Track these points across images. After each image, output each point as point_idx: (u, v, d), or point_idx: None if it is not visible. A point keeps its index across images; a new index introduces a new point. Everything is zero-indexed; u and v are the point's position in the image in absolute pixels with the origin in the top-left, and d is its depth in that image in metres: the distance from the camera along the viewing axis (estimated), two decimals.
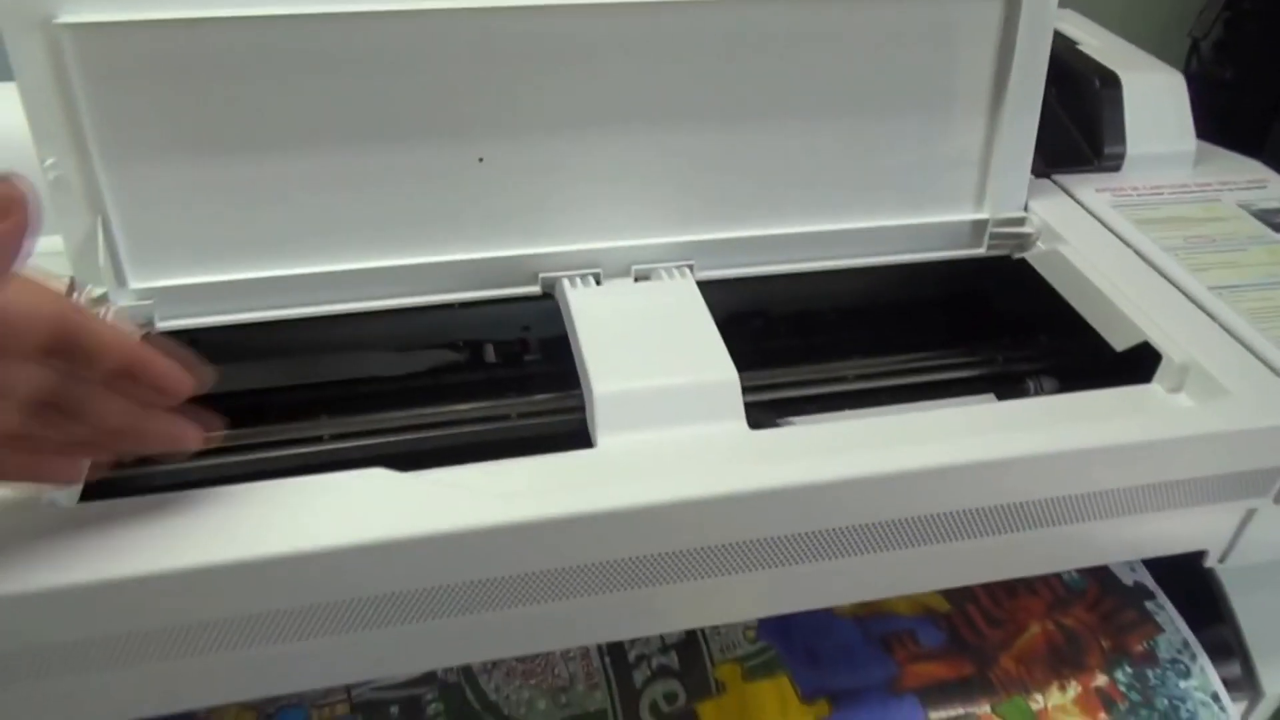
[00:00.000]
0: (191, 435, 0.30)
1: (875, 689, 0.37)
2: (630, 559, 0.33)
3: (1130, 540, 0.38)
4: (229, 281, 0.41)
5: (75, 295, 0.39)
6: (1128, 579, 0.41)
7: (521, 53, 0.40)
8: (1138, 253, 0.44)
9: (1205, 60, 0.97)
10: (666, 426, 0.36)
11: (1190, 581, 0.41)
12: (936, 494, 0.34)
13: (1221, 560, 0.40)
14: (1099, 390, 0.38)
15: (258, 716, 0.35)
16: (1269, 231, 0.46)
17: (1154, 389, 0.38)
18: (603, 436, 0.35)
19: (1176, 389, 0.37)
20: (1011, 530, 0.36)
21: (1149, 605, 0.40)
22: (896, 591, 0.38)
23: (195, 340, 0.45)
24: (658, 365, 0.37)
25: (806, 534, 0.34)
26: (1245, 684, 0.39)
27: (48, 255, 0.39)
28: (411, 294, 0.43)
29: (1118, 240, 0.45)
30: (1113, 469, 0.35)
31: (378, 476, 0.32)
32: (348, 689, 0.37)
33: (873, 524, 0.34)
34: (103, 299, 0.39)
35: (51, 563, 0.28)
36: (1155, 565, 0.42)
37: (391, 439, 0.46)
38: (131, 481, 0.36)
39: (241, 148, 0.39)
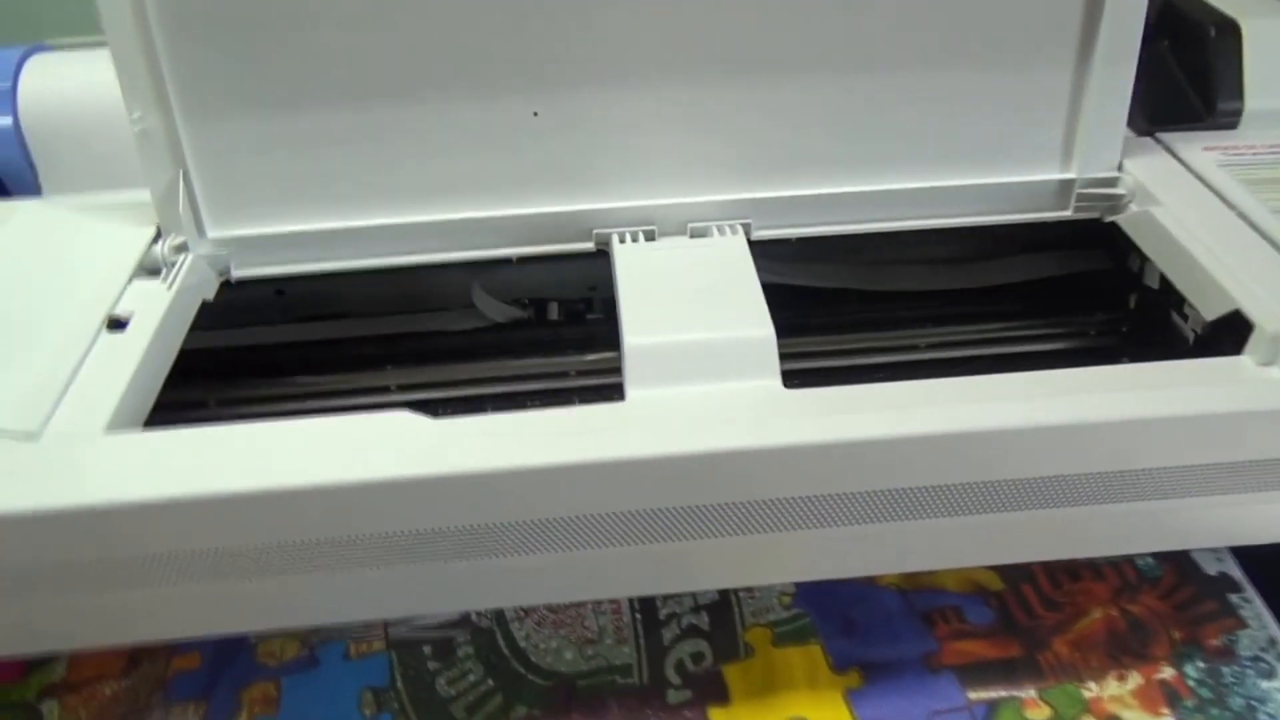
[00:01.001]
0: None
1: (911, 663, 0.35)
2: (651, 511, 0.33)
3: (1213, 524, 0.35)
4: (299, 232, 0.43)
5: (160, 243, 0.42)
6: (1211, 568, 0.37)
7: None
8: (1241, 214, 0.40)
9: None
10: (698, 382, 0.35)
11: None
12: (990, 459, 0.32)
13: None
14: (1183, 360, 0.35)
15: (300, 646, 0.37)
16: None
17: (1244, 361, 0.34)
18: (632, 390, 0.35)
19: (1269, 362, 0.34)
20: (1075, 504, 0.33)
21: (1233, 598, 0.36)
22: (946, 564, 0.36)
23: (277, 289, 0.47)
24: (694, 321, 0.36)
25: (841, 495, 0.33)
26: None
27: (140, 205, 0.42)
28: (469, 248, 0.44)
29: (1219, 201, 0.41)
30: (1192, 442, 0.32)
31: (406, 420, 0.33)
32: (385, 626, 0.38)
33: (916, 488, 0.33)
34: (182, 247, 0.42)
35: (82, 483, 0.30)
36: (1245, 557, 0.38)
37: (450, 392, 0.47)
38: (192, 416, 0.38)
39: (310, 102, 0.41)
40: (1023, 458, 0.32)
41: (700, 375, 0.35)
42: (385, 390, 0.48)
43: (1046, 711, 0.34)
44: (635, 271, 0.40)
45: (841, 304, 0.51)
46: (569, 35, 0.40)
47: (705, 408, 0.34)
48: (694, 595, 0.38)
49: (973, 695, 0.34)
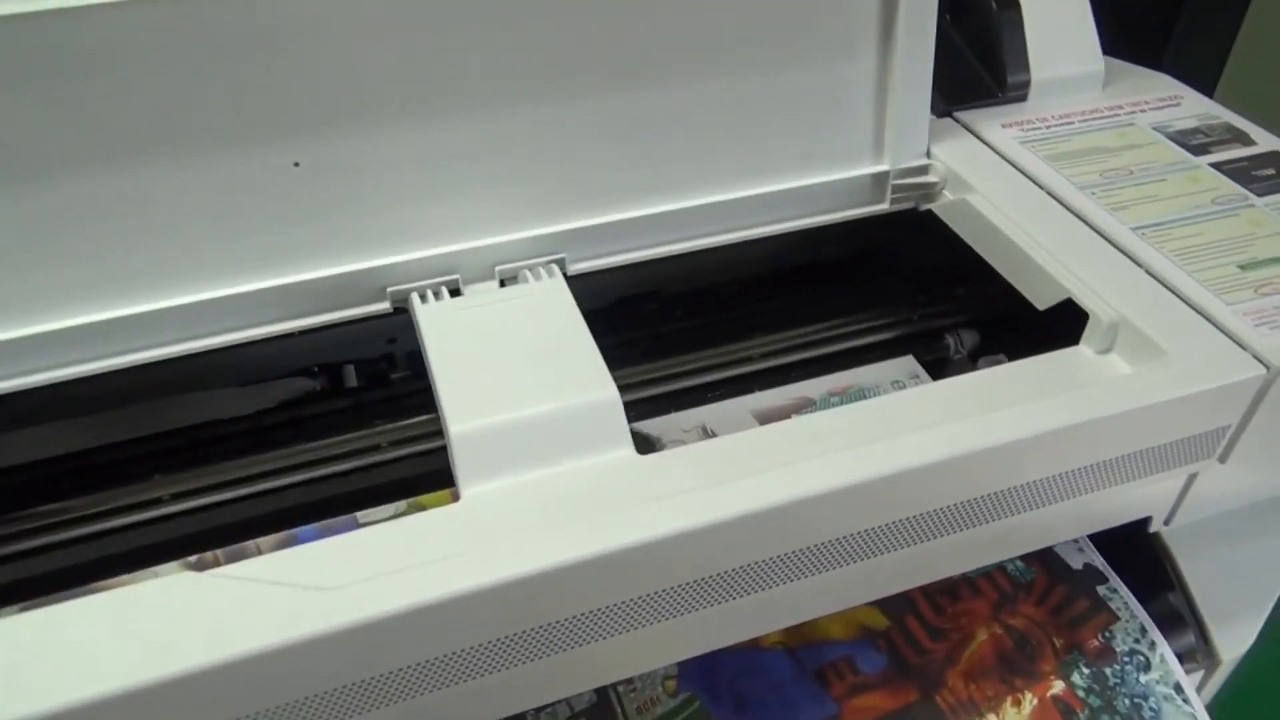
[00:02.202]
0: None
1: None
2: (510, 636, 0.28)
3: (1071, 519, 0.35)
4: (21, 338, 0.34)
5: None
6: (1076, 561, 0.37)
7: (320, 35, 0.33)
8: (1052, 194, 0.40)
9: None
10: (541, 465, 0.30)
11: (1138, 551, 0.38)
12: (855, 511, 0.30)
13: (1166, 524, 0.37)
14: (1022, 361, 0.34)
15: None
16: (1187, 155, 0.42)
17: (1083, 351, 0.34)
18: (466, 487, 0.30)
19: (1107, 349, 0.33)
20: (939, 535, 0.31)
21: (1101, 590, 0.36)
22: (825, 611, 0.34)
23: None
24: (525, 389, 0.31)
25: (715, 575, 0.29)
26: (1202, 653, 0.36)
27: None
28: (241, 328, 0.37)
29: (1029, 182, 0.40)
30: (1047, 456, 0.31)
31: (178, 583, 0.26)
32: None
33: (789, 553, 0.30)
34: None
35: None
36: (1100, 538, 0.38)
37: (242, 492, 0.40)
38: None
39: (18, 178, 0.32)
40: (896, 500, 0.30)
41: (543, 457, 0.31)
42: (158, 503, 0.39)
43: None
44: (445, 336, 0.34)
45: (665, 320, 0.47)
46: (326, 73, 0.34)
47: (555, 499, 0.29)
48: (569, 704, 0.33)
49: None
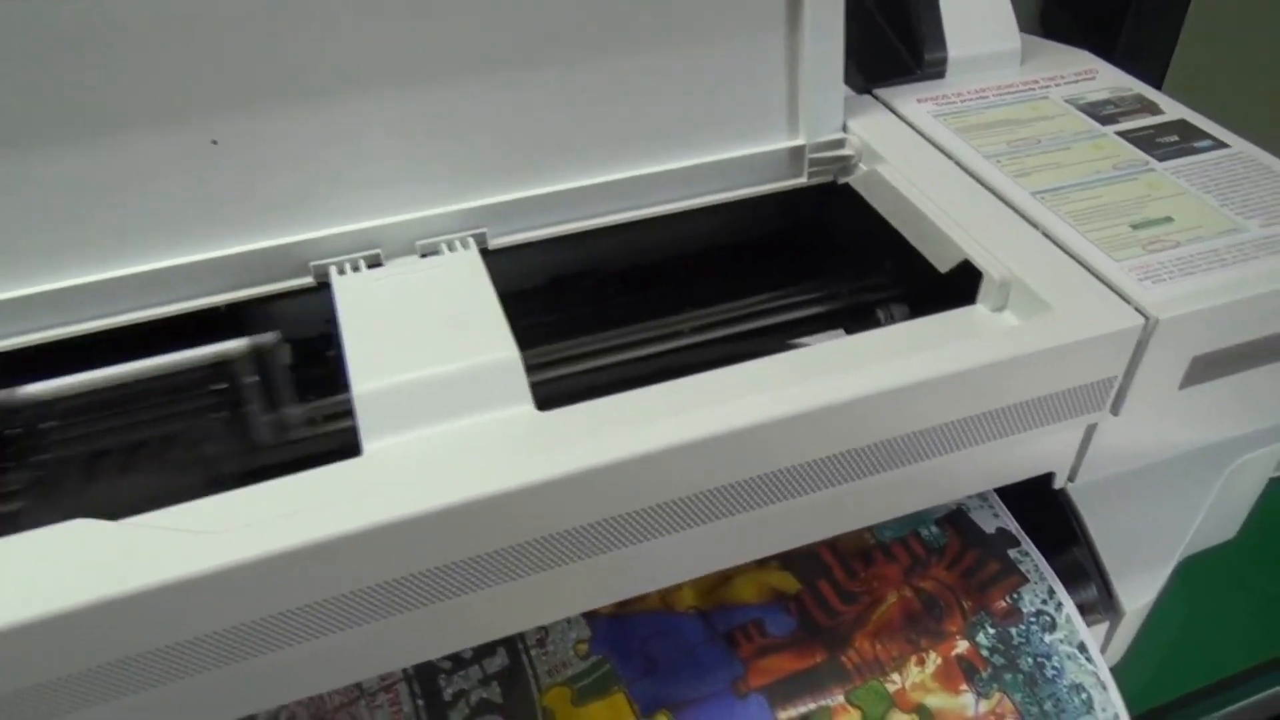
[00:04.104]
0: None
1: (719, 694, 0.33)
2: (411, 576, 0.29)
3: (971, 472, 0.35)
4: None
5: None
6: (989, 526, 0.38)
7: (236, 12, 0.34)
8: (959, 164, 0.41)
9: None
10: (442, 421, 0.31)
11: (1048, 510, 0.39)
12: (745, 457, 0.30)
13: (1070, 480, 0.38)
14: (920, 319, 0.35)
15: None
16: (1095, 125, 0.43)
17: (978, 310, 0.35)
18: (369, 442, 0.31)
19: (1000, 307, 0.34)
20: (837, 482, 0.32)
21: (1013, 554, 0.37)
22: (731, 561, 0.35)
23: None
24: (428, 352, 0.32)
25: (612, 519, 0.30)
26: (1105, 605, 0.37)
27: None
28: (165, 302, 0.38)
29: (938, 152, 0.41)
30: (931, 404, 0.31)
31: (83, 529, 0.27)
32: None
33: (684, 498, 0.31)
34: None
35: None
36: (1014, 501, 0.39)
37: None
38: None
39: None
40: (780, 448, 0.31)
41: (443, 413, 0.31)
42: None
43: (855, 715, 0.33)
44: (357, 305, 0.35)
45: (596, 298, 0.48)
46: (240, 48, 0.34)
47: (453, 450, 0.30)
48: (481, 666, 0.34)
49: (783, 715, 0.33)
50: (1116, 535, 0.38)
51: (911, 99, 0.45)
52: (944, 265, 0.37)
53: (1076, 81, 0.47)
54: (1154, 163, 0.40)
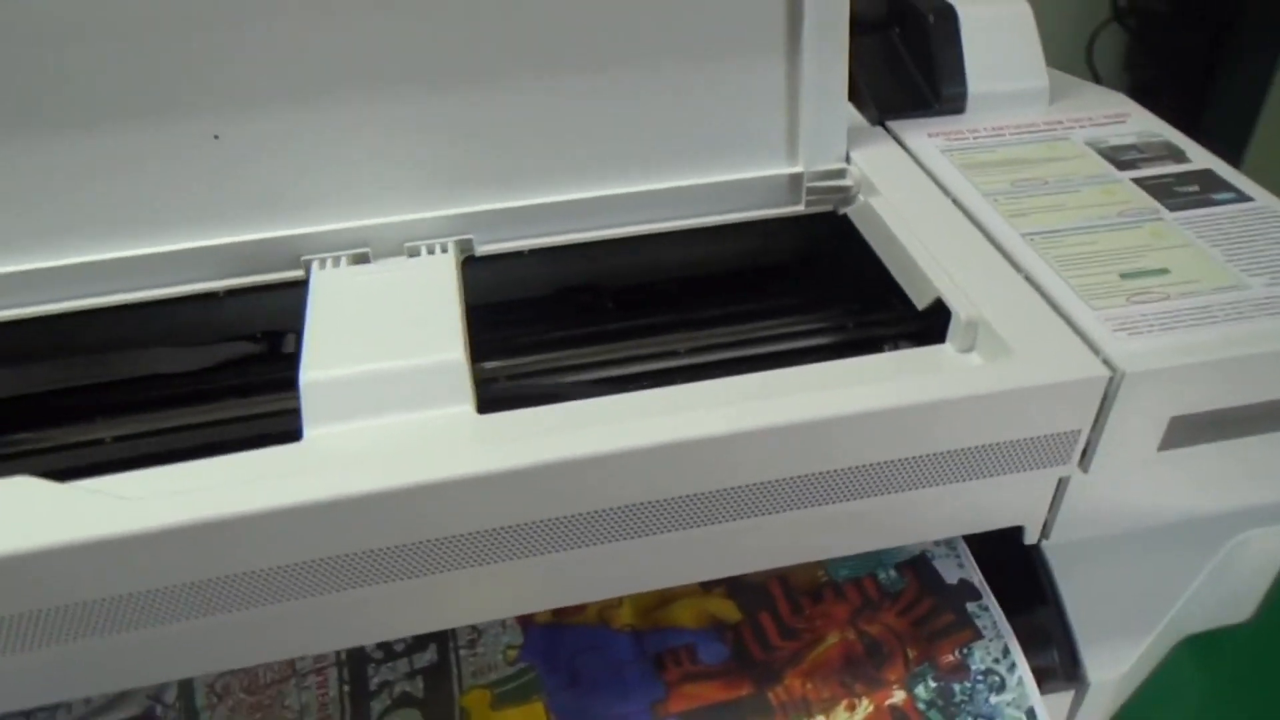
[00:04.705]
0: None
1: (636, 715, 0.32)
2: (329, 558, 0.29)
3: (932, 516, 0.34)
4: None
5: None
6: (952, 576, 0.36)
7: (239, 10, 0.36)
8: (955, 200, 0.39)
9: None
10: (382, 414, 0.32)
11: (1020, 569, 0.37)
12: (673, 471, 0.30)
13: (1042, 537, 0.36)
14: (886, 354, 0.34)
15: None
16: (1111, 170, 0.41)
17: (945, 349, 0.33)
18: (310, 428, 0.31)
19: (968, 348, 0.33)
20: (780, 510, 0.31)
21: (971, 607, 0.35)
22: (662, 583, 0.34)
23: None
24: (378, 349, 0.33)
25: (540, 522, 0.30)
26: (1069, 673, 0.35)
27: None
28: (158, 286, 0.40)
29: (935, 188, 0.40)
30: (872, 437, 0.30)
31: (26, 486, 0.29)
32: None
33: (618, 508, 0.30)
34: None
35: None
36: (984, 556, 0.37)
37: (175, 442, 0.42)
38: None
39: None
40: (721, 466, 0.30)
41: (384, 407, 0.32)
42: (99, 444, 0.42)
43: None
44: (328, 299, 0.36)
45: (593, 312, 0.48)
46: (245, 51, 0.36)
47: (386, 441, 0.31)
48: (411, 660, 0.34)
49: None
50: (1091, 601, 0.36)
51: (923, 133, 0.44)
52: (921, 302, 0.36)
53: (1104, 124, 0.45)
54: (1164, 211, 0.38)
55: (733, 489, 0.31)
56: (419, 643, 0.35)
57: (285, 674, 0.34)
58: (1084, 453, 0.32)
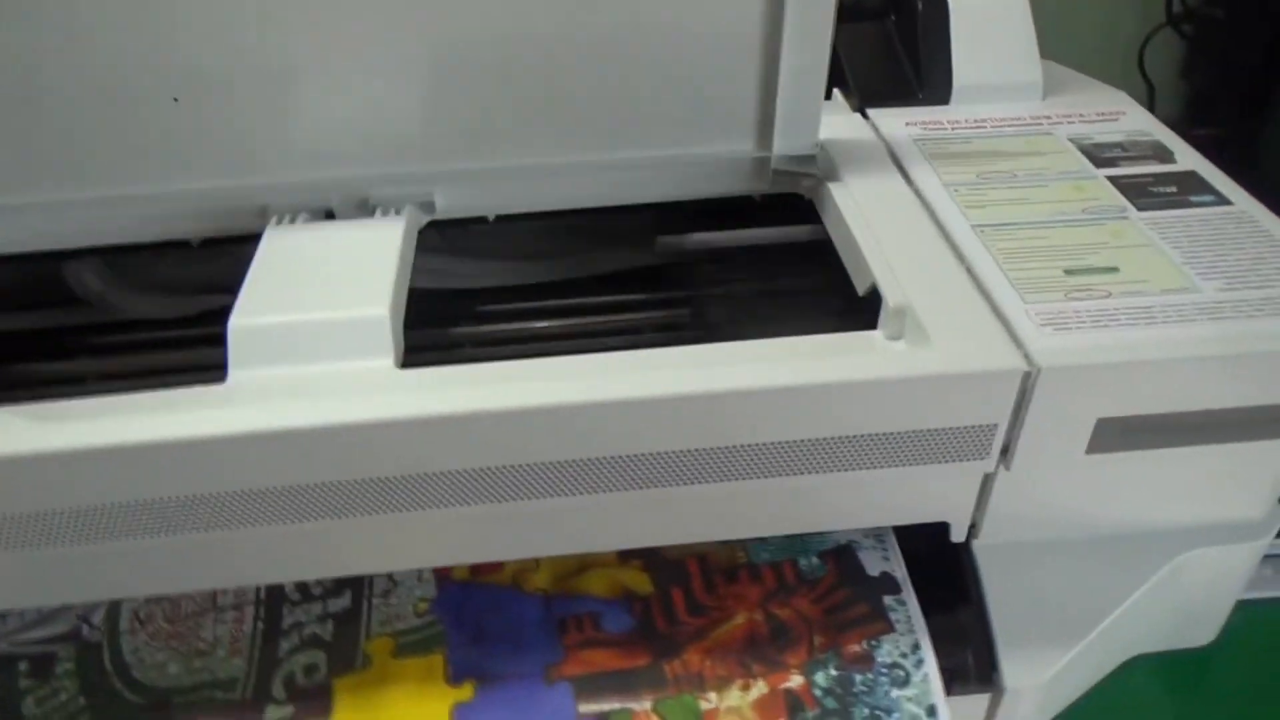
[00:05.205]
0: None
1: (529, 675, 0.32)
2: (233, 493, 0.30)
3: (851, 503, 0.33)
4: None
5: None
6: (874, 568, 0.35)
7: None
8: (915, 190, 0.38)
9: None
10: (304, 363, 0.32)
11: (946, 566, 0.36)
12: (579, 435, 0.30)
13: (969, 537, 0.35)
14: (813, 336, 0.33)
15: None
16: (1088, 167, 0.39)
17: (874, 335, 0.33)
18: (234, 371, 0.32)
19: (896, 335, 0.32)
20: (686, 482, 0.31)
21: (888, 600, 0.34)
22: (578, 548, 0.34)
23: None
24: (307, 301, 0.34)
25: (442, 474, 0.30)
26: (983, 676, 0.34)
27: None
28: (137, 229, 0.41)
29: (898, 176, 0.39)
30: (772, 413, 0.30)
31: None
32: None
33: (526, 466, 0.30)
34: None
35: None
36: (914, 553, 0.36)
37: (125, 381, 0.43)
38: None
39: None
40: (622, 432, 0.30)
41: (306, 356, 0.33)
42: (80, 381, 0.44)
43: None
44: (274, 253, 0.37)
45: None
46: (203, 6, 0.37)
47: (301, 387, 0.31)
48: (325, 604, 0.35)
49: (584, 708, 0.32)
50: (1018, 607, 0.35)
51: (901, 122, 0.43)
52: (860, 287, 0.35)
53: (1095, 121, 0.43)
54: (1131, 211, 0.36)
55: (638, 457, 0.31)
56: (336, 588, 0.35)
57: (206, 607, 0.35)
58: (1005, 449, 0.31)
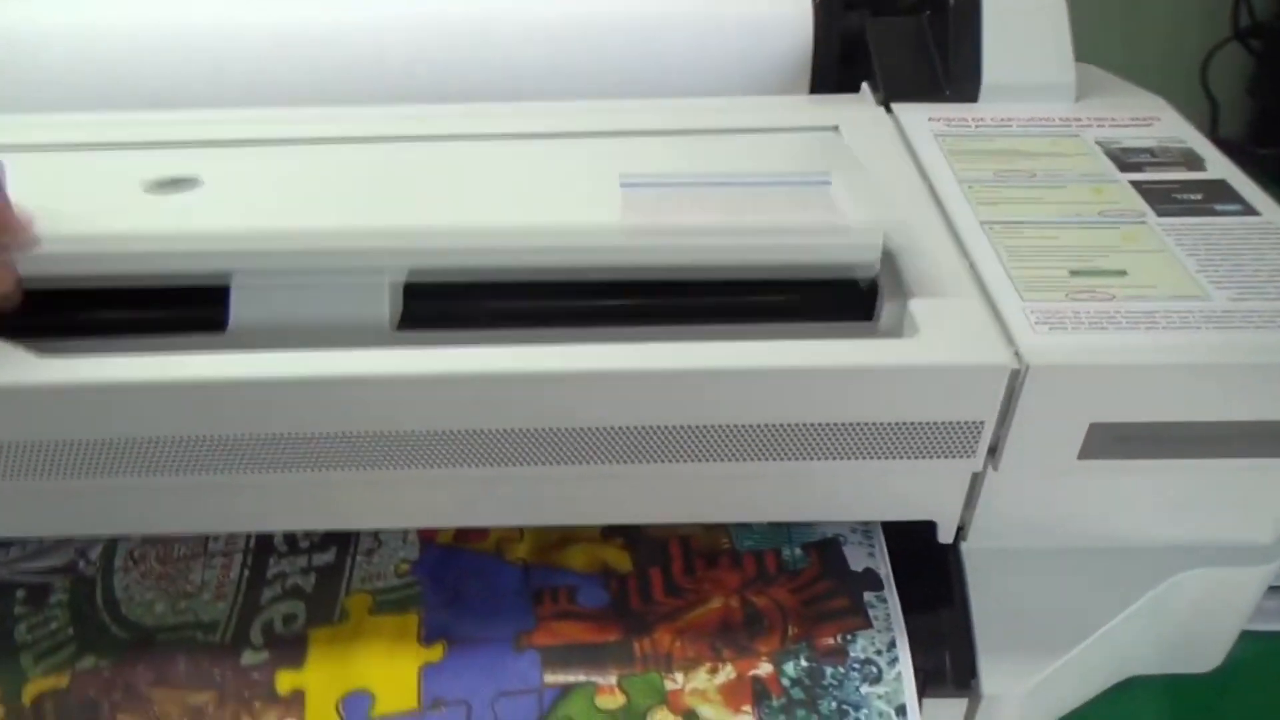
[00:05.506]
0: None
1: (499, 640, 0.32)
2: (223, 437, 0.31)
3: (836, 494, 0.33)
4: None
5: None
6: (859, 563, 0.35)
7: None
8: (927, 184, 0.38)
9: (1258, 10, 0.84)
10: (302, 316, 0.33)
11: (933, 568, 0.35)
12: (574, 403, 0.30)
13: (957, 538, 0.34)
14: (811, 323, 0.33)
15: None
16: (1112, 170, 0.38)
17: (870, 326, 0.32)
18: (233, 320, 0.33)
19: (889, 326, 0.32)
20: (667, 460, 0.31)
21: (868, 596, 0.34)
22: (560, 519, 0.34)
23: None
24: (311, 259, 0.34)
25: (426, 434, 0.31)
26: (961, 680, 0.33)
27: None
28: None
29: (914, 170, 0.39)
30: (755, 394, 0.30)
31: None
32: None
33: (511, 430, 0.30)
34: None
35: None
36: (905, 552, 0.36)
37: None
38: None
39: None
40: (610, 404, 0.30)
41: (306, 312, 0.33)
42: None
43: (620, 700, 0.31)
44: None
45: None
46: None
47: (302, 339, 0.32)
48: (310, 557, 0.36)
49: (549, 678, 0.32)
50: (1003, 615, 0.34)
51: (924, 116, 0.43)
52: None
53: (1126, 126, 0.42)
54: (1150, 216, 0.35)
55: (620, 430, 0.30)
56: (323, 543, 0.36)
57: (197, 551, 0.36)
58: (993, 448, 0.31)
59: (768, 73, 0.48)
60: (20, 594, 0.35)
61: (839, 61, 0.49)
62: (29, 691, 0.32)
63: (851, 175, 0.35)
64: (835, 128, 0.41)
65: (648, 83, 0.47)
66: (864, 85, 0.47)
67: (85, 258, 0.33)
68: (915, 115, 0.43)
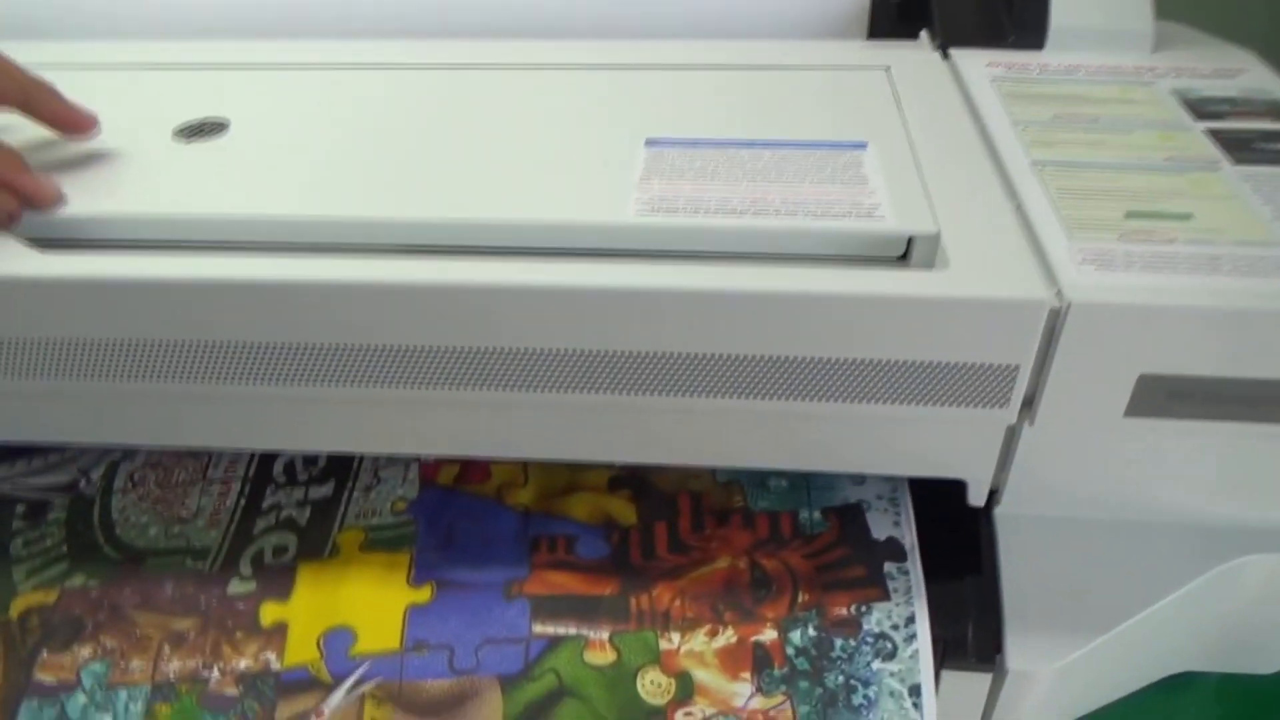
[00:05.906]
0: (54, 193, 0.30)
1: (490, 586, 0.31)
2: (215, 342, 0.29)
3: (860, 442, 0.30)
4: None
5: None
6: (881, 531, 0.32)
7: None
8: (980, 125, 0.35)
9: None
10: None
11: (964, 539, 0.32)
12: (579, 321, 0.28)
13: (990, 501, 0.32)
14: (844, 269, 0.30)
15: None
16: (1185, 118, 0.35)
17: (905, 263, 0.30)
18: None
19: (927, 264, 0.29)
20: (685, 392, 0.29)
21: (889, 566, 0.31)
22: (561, 453, 0.32)
23: None
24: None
25: (422, 349, 0.29)
26: (985, 655, 0.30)
27: None
28: None
29: (966, 112, 0.36)
30: (771, 323, 0.27)
31: None
32: None
33: (505, 350, 0.29)
34: None
35: None
36: (934, 520, 0.33)
37: None
38: None
39: None
40: (617, 324, 0.28)
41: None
42: None
43: (610, 656, 0.29)
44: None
45: None
46: None
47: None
48: (307, 490, 0.35)
49: (538, 628, 0.30)
50: (1035, 586, 0.31)
51: (983, 62, 0.40)
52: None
53: (1207, 76, 0.38)
54: (1225, 164, 0.32)
55: (627, 354, 0.28)
56: (321, 476, 0.35)
57: (196, 478, 0.35)
58: (1029, 400, 0.28)
59: (823, 20, 0.46)
60: (20, 509, 0.35)
61: (897, 10, 0.46)
62: (17, 605, 0.32)
63: (890, 137, 0.32)
64: (888, 68, 0.39)
65: (705, 27, 0.45)
66: (922, 33, 0.44)
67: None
68: (973, 60, 0.40)
